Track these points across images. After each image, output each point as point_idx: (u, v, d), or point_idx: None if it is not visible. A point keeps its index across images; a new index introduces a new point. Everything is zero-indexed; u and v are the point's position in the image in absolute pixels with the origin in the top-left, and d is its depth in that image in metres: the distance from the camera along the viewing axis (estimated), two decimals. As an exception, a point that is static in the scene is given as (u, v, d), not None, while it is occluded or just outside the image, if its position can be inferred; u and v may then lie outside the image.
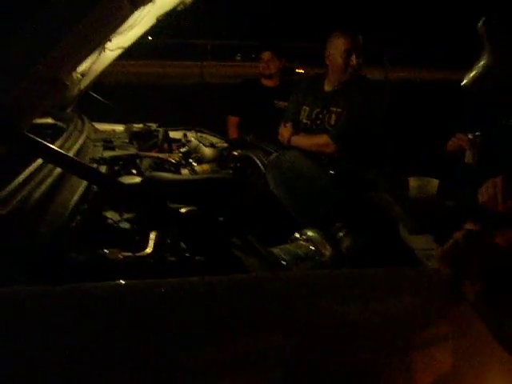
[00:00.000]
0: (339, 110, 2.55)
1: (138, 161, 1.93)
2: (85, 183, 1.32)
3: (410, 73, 15.37)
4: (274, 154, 1.87)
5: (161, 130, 2.38)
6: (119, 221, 1.35)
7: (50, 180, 1.18)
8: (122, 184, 1.33)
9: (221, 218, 1.64)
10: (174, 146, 2.43)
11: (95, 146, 1.89)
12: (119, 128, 2.60)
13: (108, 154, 1.82)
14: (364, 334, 0.92)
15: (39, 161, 1.24)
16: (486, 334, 0.93)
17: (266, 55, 3.47)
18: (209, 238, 1.31)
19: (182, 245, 1.38)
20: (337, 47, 2.52)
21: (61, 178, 1.25)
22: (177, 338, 0.78)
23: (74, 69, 0.82)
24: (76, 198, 1.22)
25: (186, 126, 2.69)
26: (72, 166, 0.98)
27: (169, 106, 6.91)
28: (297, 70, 11.21)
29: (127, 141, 2.25)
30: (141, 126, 2.48)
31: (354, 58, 2.49)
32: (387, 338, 0.94)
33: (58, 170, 1.26)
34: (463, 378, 0.97)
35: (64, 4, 0.70)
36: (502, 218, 1.40)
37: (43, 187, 1.13)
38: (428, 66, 17.08)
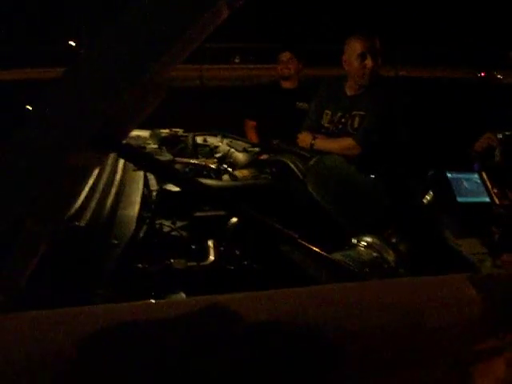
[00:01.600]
0: (362, 113, 2.54)
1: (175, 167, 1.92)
2: (141, 192, 1.31)
3: (420, 72, 15.23)
4: (313, 160, 1.85)
5: (189, 135, 2.37)
6: (176, 229, 1.34)
7: (113, 190, 1.17)
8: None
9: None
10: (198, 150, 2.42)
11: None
12: (143, 133, 2.57)
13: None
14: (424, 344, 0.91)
15: (96, 171, 1.23)
16: None
17: (286, 55, 3.40)
18: (267, 245, 1.30)
19: (237, 252, 1.37)
20: (352, 51, 2.51)
21: (120, 187, 1.24)
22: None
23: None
24: (137, 207, 1.20)
25: (208, 130, 2.66)
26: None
27: (173, 108, 6.86)
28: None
29: (157, 146, 2.23)
30: (167, 131, 2.47)
31: (369, 61, 2.46)
32: (445, 349, 0.93)
33: (117, 178, 1.25)
34: None
35: (174, 12, 0.69)
36: None
37: (110, 198, 1.12)
38: (437, 65, 16.98)
